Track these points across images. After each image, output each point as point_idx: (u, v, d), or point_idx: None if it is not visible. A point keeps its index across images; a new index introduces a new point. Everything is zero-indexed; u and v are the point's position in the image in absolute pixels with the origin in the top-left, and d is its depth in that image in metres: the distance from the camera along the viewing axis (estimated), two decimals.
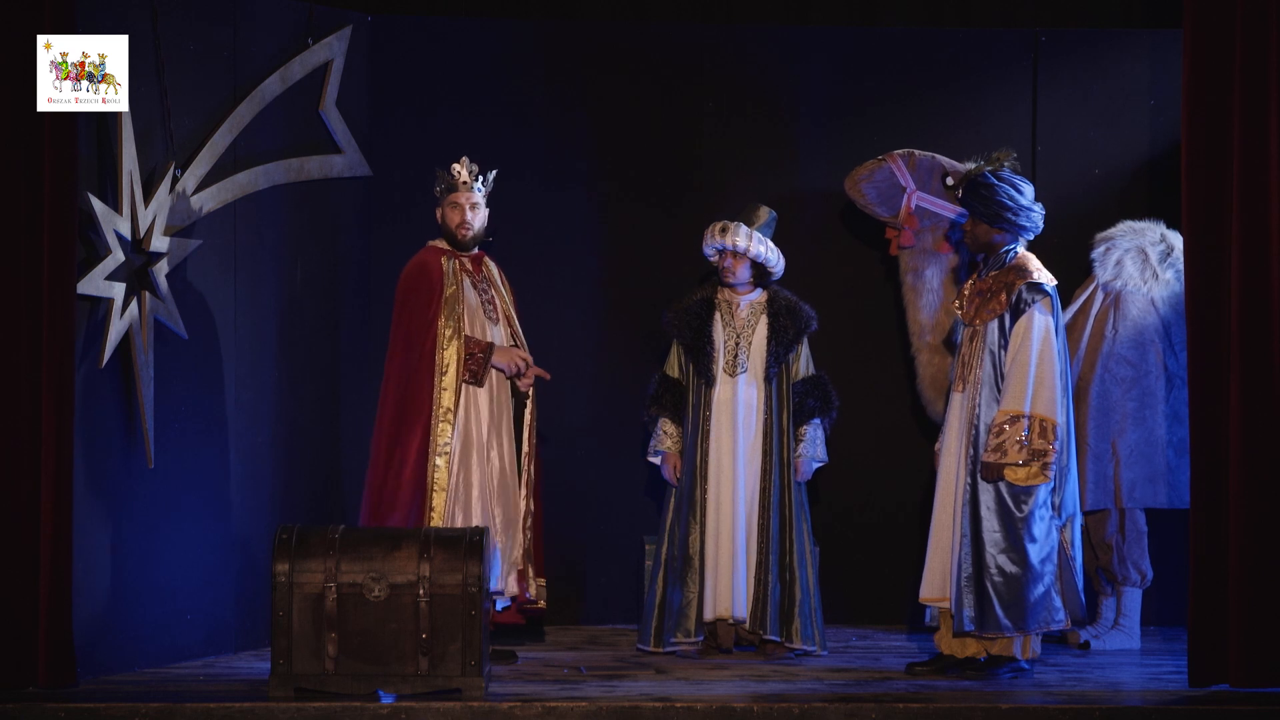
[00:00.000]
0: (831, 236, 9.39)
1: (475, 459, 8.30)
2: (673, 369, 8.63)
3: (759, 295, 8.61)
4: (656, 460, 8.63)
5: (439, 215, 8.44)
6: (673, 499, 8.58)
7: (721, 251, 8.55)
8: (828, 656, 8.49)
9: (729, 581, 8.46)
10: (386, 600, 7.36)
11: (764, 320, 8.57)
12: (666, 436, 8.59)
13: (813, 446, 8.58)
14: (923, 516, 8.45)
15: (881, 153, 8.90)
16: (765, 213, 8.57)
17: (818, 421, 8.60)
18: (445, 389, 8.24)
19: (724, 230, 8.51)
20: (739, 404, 8.53)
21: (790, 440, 8.54)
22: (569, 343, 9.27)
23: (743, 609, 8.46)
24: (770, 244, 8.54)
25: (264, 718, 7.17)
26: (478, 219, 8.42)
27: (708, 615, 8.48)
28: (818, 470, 8.64)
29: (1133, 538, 8.76)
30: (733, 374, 8.55)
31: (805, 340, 8.60)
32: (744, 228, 8.50)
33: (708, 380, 8.54)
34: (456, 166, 8.39)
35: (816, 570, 8.57)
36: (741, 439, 8.52)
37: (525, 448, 8.46)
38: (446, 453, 8.23)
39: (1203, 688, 7.61)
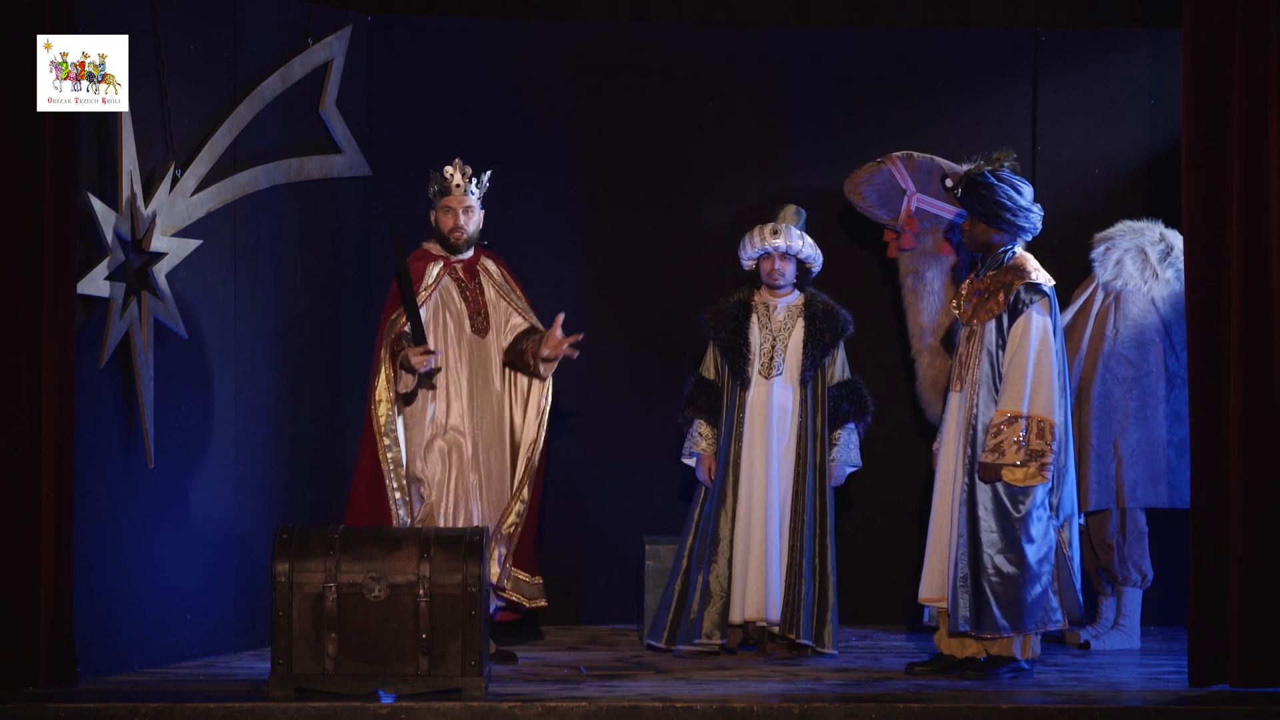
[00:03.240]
0: (830, 238, 9.37)
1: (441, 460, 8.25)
2: (709, 370, 8.62)
3: (796, 298, 8.60)
4: (691, 462, 8.61)
5: (432, 218, 8.39)
6: (702, 499, 8.56)
7: (769, 254, 8.52)
8: (828, 657, 8.49)
9: (760, 584, 8.44)
10: (386, 600, 7.36)
11: (800, 323, 8.56)
12: (702, 438, 8.58)
13: (847, 451, 8.57)
14: (922, 516, 8.45)
15: (881, 153, 8.91)
16: (796, 210, 8.58)
17: (852, 426, 8.59)
18: (379, 400, 8.18)
19: (775, 233, 8.49)
20: (774, 406, 8.51)
21: (824, 444, 8.53)
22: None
23: (775, 611, 8.44)
24: (811, 241, 8.55)
25: (264, 718, 7.17)
26: (471, 223, 8.35)
27: (736, 618, 8.46)
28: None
29: (1133, 538, 8.76)
30: (768, 376, 8.53)
31: (841, 344, 8.59)
32: (794, 229, 8.49)
33: (743, 382, 8.52)
34: (449, 169, 8.32)
35: (836, 572, 8.56)
36: (775, 442, 8.50)
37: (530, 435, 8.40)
38: (395, 450, 8.16)
39: (1203, 688, 7.62)
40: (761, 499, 8.47)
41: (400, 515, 8.07)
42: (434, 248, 8.39)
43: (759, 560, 8.45)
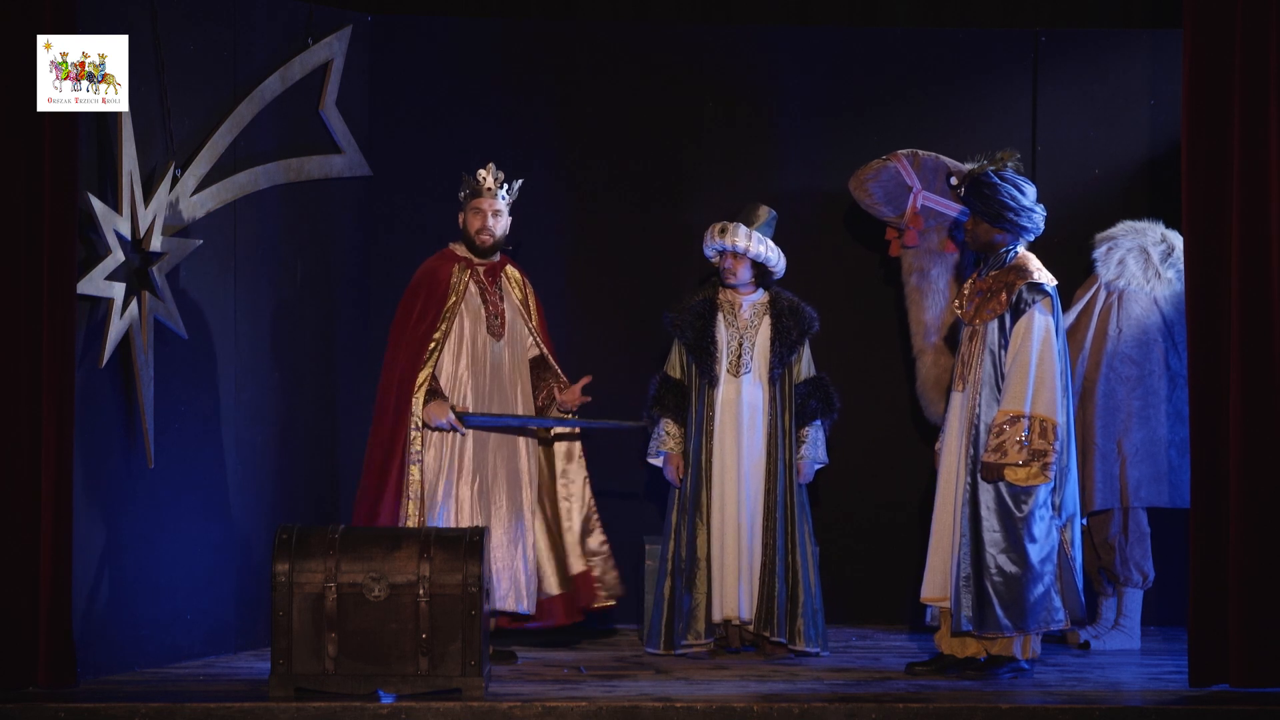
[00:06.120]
0: (829, 237, 9.39)
1: (462, 473, 8.31)
2: (674, 369, 8.63)
3: (761, 296, 8.61)
4: (657, 461, 8.62)
5: (460, 220, 8.45)
6: (676, 500, 8.57)
7: (722, 252, 8.55)
8: (828, 657, 8.50)
9: (734, 582, 8.47)
10: (386, 600, 7.36)
11: (767, 321, 8.57)
12: (669, 437, 8.59)
13: (814, 448, 8.58)
14: (923, 516, 8.45)
15: (882, 153, 8.90)
16: (765, 212, 8.57)
17: (819, 423, 8.60)
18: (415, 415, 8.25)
19: (723, 231, 8.52)
20: (743, 405, 8.53)
21: (793, 441, 8.54)
22: (566, 341, 9.26)
23: (747, 610, 8.46)
24: (770, 244, 8.54)
25: (264, 718, 7.17)
26: (499, 226, 8.42)
27: (715, 616, 8.48)
28: (818, 470, 8.64)
29: (1135, 538, 8.75)
30: (736, 374, 8.55)
31: (807, 341, 8.60)
32: (743, 228, 8.50)
33: (711, 381, 8.54)
34: (482, 172, 8.39)
35: (818, 571, 8.57)
36: (746, 440, 8.51)
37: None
38: (419, 462, 8.24)
39: (1203, 688, 7.61)
40: (734, 498, 8.49)
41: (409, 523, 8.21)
42: (459, 249, 8.45)
43: (733, 559, 8.48)
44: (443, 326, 8.28)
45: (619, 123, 9.41)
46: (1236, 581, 7.51)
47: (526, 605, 8.37)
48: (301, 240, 8.86)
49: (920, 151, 8.88)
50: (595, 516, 8.58)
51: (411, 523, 8.16)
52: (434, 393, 8.24)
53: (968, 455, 7.98)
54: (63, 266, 7.43)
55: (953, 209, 8.78)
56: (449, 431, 8.27)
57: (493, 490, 8.33)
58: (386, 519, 8.18)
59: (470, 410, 8.30)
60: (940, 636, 8.13)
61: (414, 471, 8.20)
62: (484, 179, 8.39)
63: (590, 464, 8.95)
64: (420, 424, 8.21)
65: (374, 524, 8.17)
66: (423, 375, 8.22)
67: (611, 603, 8.59)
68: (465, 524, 8.24)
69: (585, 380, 8.45)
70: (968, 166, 8.29)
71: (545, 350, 8.50)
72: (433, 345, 8.25)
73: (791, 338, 8.55)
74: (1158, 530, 8.85)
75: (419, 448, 8.21)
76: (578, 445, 8.61)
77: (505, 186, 8.42)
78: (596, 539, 8.57)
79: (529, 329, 8.48)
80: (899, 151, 8.87)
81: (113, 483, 7.96)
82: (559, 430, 8.57)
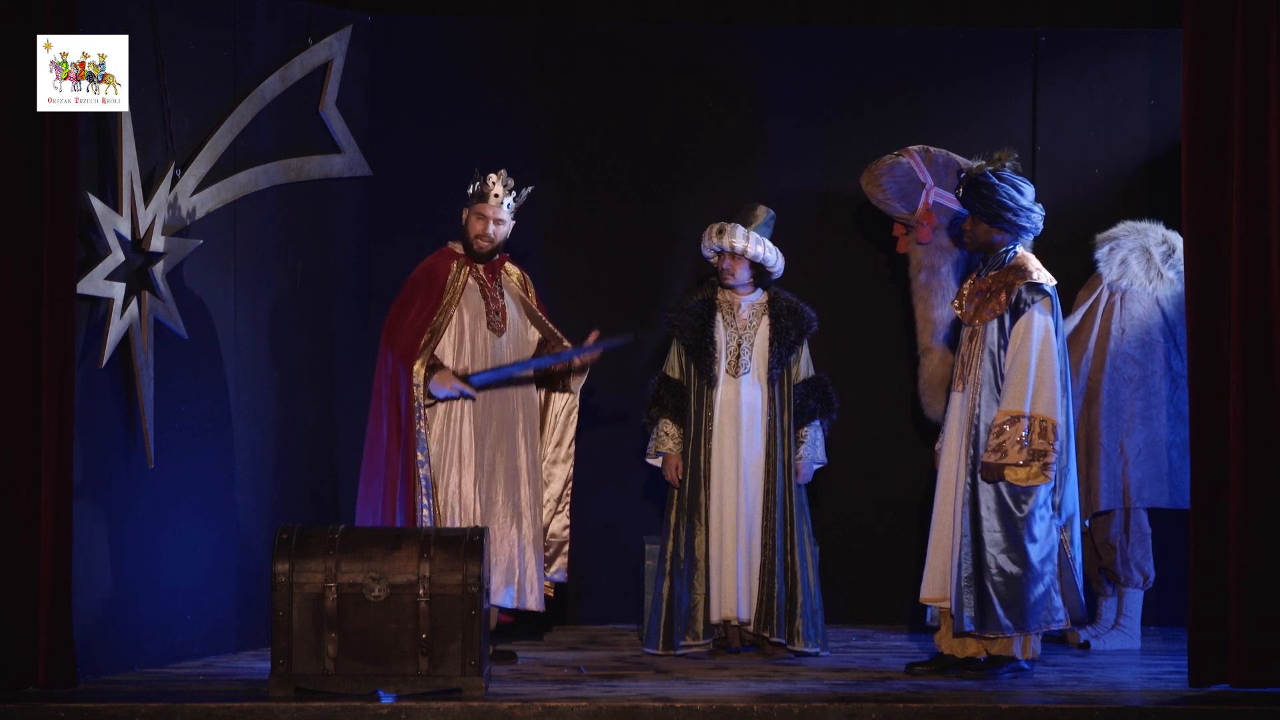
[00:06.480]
0: (829, 237, 9.39)
1: (465, 463, 8.31)
2: (673, 370, 8.63)
3: (760, 296, 8.61)
4: (656, 462, 8.62)
5: (464, 216, 8.44)
6: (675, 500, 8.57)
7: (720, 253, 8.55)
8: (828, 657, 8.50)
9: (733, 583, 8.47)
10: (386, 600, 7.36)
11: (765, 321, 8.57)
12: (668, 437, 8.58)
13: (813, 448, 8.58)
14: (923, 516, 8.45)
15: (881, 153, 8.90)
16: (763, 212, 8.57)
17: (818, 423, 8.59)
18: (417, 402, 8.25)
19: (720, 232, 8.52)
20: (742, 405, 8.53)
21: (792, 442, 8.54)
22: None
23: (746, 610, 8.46)
24: (769, 244, 8.53)
25: (264, 718, 7.17)
26: (499, 233, 8.41)
27: (714, 617, 8.48)
28: (818, 470, 8.64)
29: (1136, 538, 8.75)
30: (735, 375, 8.55)
31: (805, 342, 8.60)
32: (740, 229, 8.50)
33: (710, 381, 8.54)
34: (492, 177, 8.37)
35: (817, 571, 8.58)
36: (745, 440, 8.51)
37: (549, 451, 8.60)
38: (425, 452, 8.24)
39: (1203, 688, 7.62)
40: (733, 498, 8.49)
41: (427, 521, 8.19)
42: (458, 247, 8.45)
43: (731, 559, 8.48)
44: (438, 320, 8.27)
45: (618, 123, 9.40)
46: (1236, 581, 7.51)
47: (518, 601, 8.34)
48: (301, 240, 8.86)
49: (931, 148, 8.88)
50: (568, 498, 8.55)
51: (426, 513, 8.14)
52: (434, 367, 8.22)
53: (968, 455, 7.98)
54: (63, 266, 7.43)
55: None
56: (458, 399, 8.24)
57: (491, 486, 8.33)
58: (404, 512, 8.14)
59: (472, 370, 8.28)
60: (940, 636, 8.13)
61: (420, 457, 8.20)
62: (493, 185, 8.36)
63: (590, 464, 8.97)
64: (424, 404, 8.17)
65: (386, 519, 8.16)
66: (419, 363, 8.20)
67: (549, 591, 8.57)
68: (465, 518, 8.24)
69: (594, 335, 8.42)
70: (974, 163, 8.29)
71: (546, 325, 8.45)
72: (428, 337, 8.23)
73: (790, 338, 8.55)
74: (1158, 530, 8.85)
75: (424, 432, 8.20)
76: (570, 431, 8.58)
77: (514, 194, 8.41)
78: (560, 523, 8.55)
79: (528, 317, 8.46)
80: (911, 147, 8.87)
81: (113, 483, 7.96)
82: (556, 420, 8.54)
